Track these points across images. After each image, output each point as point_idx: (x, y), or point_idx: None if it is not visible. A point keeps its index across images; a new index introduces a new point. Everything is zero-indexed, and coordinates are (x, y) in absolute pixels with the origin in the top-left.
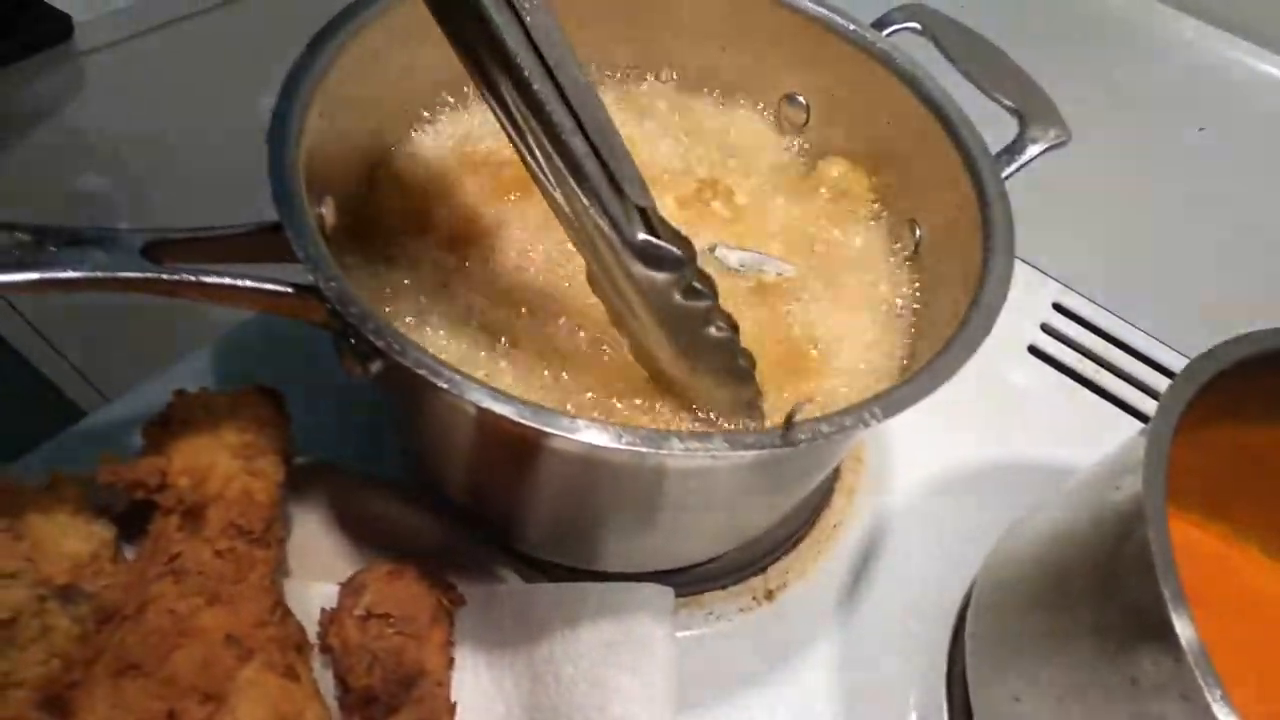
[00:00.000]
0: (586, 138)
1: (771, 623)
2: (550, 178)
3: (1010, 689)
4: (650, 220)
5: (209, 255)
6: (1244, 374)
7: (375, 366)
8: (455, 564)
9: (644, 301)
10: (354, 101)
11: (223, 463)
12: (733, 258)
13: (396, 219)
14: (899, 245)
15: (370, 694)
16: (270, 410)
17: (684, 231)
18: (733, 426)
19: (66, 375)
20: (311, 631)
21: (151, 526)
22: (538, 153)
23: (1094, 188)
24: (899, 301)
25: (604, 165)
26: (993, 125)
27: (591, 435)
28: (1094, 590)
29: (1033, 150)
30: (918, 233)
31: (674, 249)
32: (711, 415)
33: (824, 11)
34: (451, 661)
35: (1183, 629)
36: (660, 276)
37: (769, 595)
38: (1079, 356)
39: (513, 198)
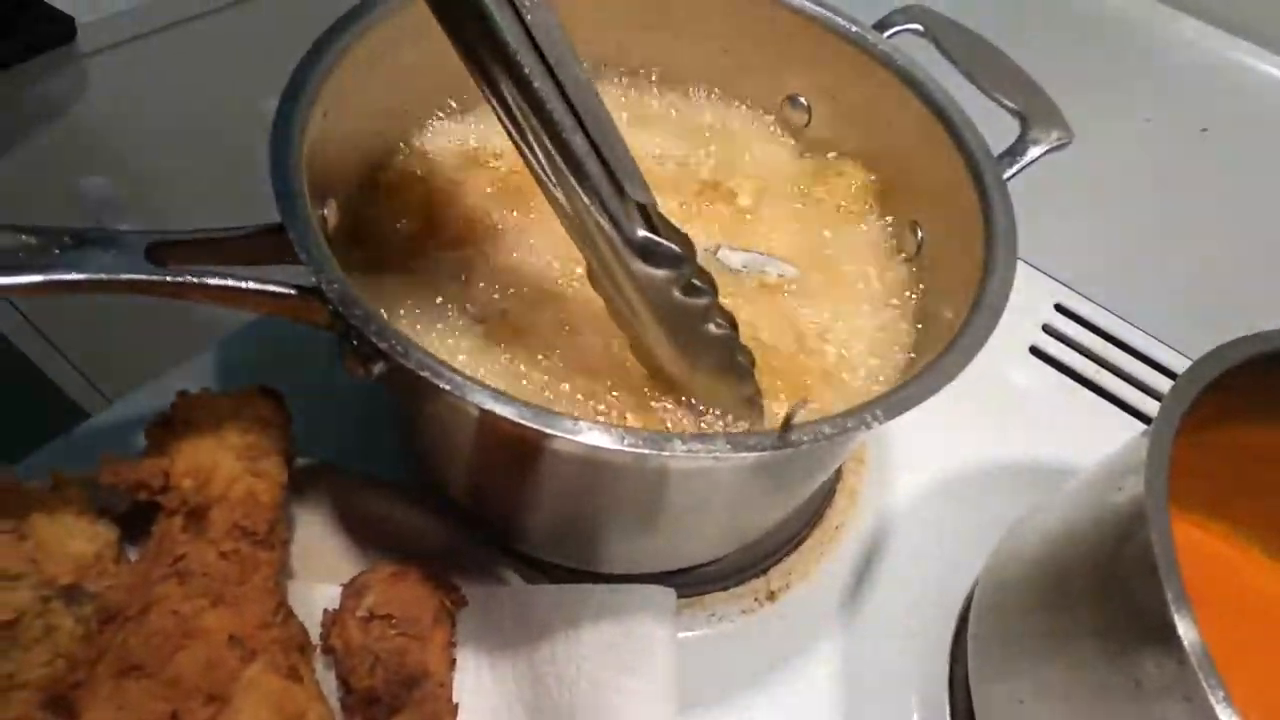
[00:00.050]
0: (587, 135)
1: (773, 624)
2: (551, 175)
3: (1013, 690)
4: (650, 218)
5: (212, 257)
6: (1246, 375)
7: (378, 368)
8: (457, 565)
9: (643, 299)
10: (357, 103)
11: (226, 464)
12: (735, 259)
13: (399, 220)
14: (901, 246)
15: (373, 695)
16: (273, 411)
17: (687, 233)
18: (733, 424)
19: (69, 376)
20: (314, 632)
21: (155, 527)
22: (538, 150)
23: (1095, 189)
24: (900, 303)
25: (604, 163)
26: (994, 126)
27: (593, 437)
28: (1096, 591)
29: (1035, 151)
30: (919, 234)
31: (673, 246)
32: (713, 412)
33: (825, 13)
34: (454, 662)
35: (1185, 630)
36: (660, 273)
37: (771, 596)
38: (1080, 357)
39: (515, 200)
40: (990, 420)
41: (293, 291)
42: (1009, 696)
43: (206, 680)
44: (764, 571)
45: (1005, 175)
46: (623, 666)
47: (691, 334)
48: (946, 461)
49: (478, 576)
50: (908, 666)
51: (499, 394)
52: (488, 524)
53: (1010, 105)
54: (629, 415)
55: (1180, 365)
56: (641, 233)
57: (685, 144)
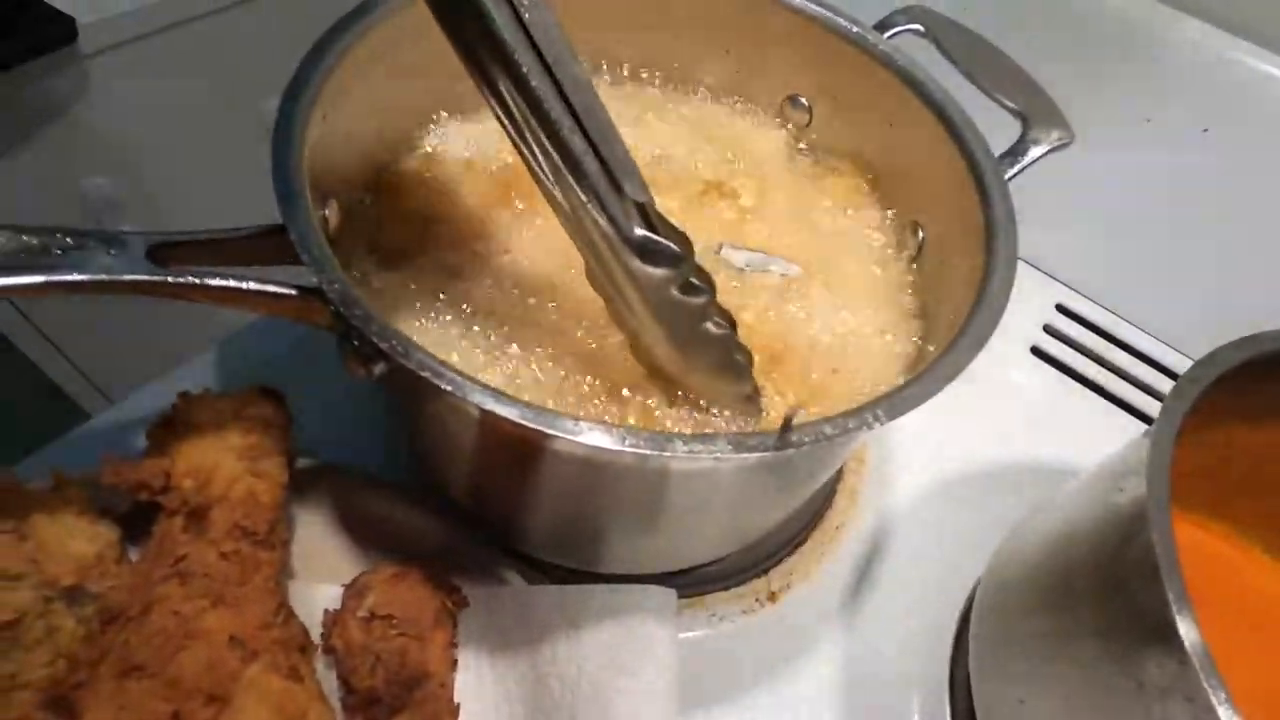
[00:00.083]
0: (585, 134)
1: (774, 624)
2: (549, 174)
3: (1014, 691)
4: (649, 216)
5: (213, 257)
6: (1247, 375)
7: (379, 368)
8: (458, 565)
9: (642, 297)
10: (358, 104)
11: (227, 464)
12: (738, 258)
13: (400, 221)
14: (902, 246)
15: (373, 695)
16: (274, 412)
17: (690, 232)
18: (732, 421)
19: (70, 377)
20: (315, 633)
21: (156, 528)
22: (536, 150)
23: (1096, 189)
24: (902, 302)
25: (602, 162)
26: (995, 127)
27: (594, 437)
28: (1098, 592)
29: (1036, 152)
30: (921, 234)
31: (671, 245)
32: (711, 411)
33: (826, 13)
34: (455, 663)
35: (1187, 631)
36: (658, 272)
37: (772, 597)
38: (1081, 357)
39: (516, 201)
40: (991, 420)
41: (294, 292)
42: (1010, 697)
43: (207, 680)
44: (765, 572)
45: (1006, 175)
46: (624, 667)
47: (690, 332)
48: (947, 462)
49: (479, 577)
50: (908, 667)
51: (500, 394)
52: (488, 524)
53: (1011, 105)
54: (628, 415)
55: (1181, 365)
56: (640, 231)
57: (687, 144)
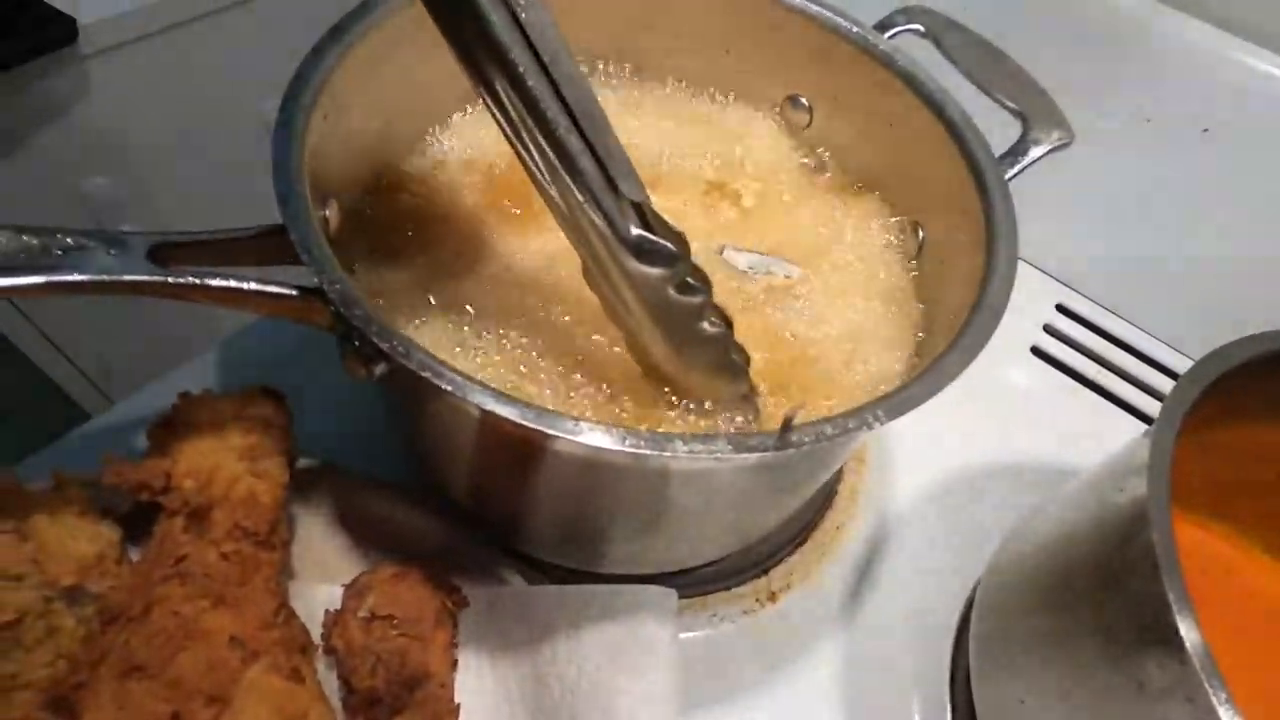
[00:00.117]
0: (581, 134)
1: (775, 624)
2: (545, 173)
3: (1015, 691)
4: (645, 216)
5: (214, 258)
6: (1248, 375)
7: (379, 369)
8: (459, 566)
9: (638, 296)
10: (359, 104)
11: (227, 465)
12: (741, 259)
13: (400, 221)
14: (902, 247)
15: (374, 695)
16: (274, 412)
17: (693, 234)
18: (729, 421)
19: (71, 377)
20: (316, 633)
21: (156, 528)
22: (532, 149)
23: (1097, 189)
24: (902, 303)
25: (598, 161)
26: (996, 127)
27: (594, 438)
28: (1098, 592)
29: (1036, 152)
30: (921, 234)
31: (668, 244)
32: (708, 410)
33: (826, 13)
34: (455, 663)
35: (1187, 632)
36: (654, 271)
37: (772, 597)
38: (1082, 357)
39: (516, 199)
40: (991, 420)
41: (294, 292)
42: (1010, 697)
43: (208, 681)
44: (765, 572)
45: (1006, 175)
46: (624, 667)
47: (686, 332)
48: (948, 462)
49: (479, 577)
50: (909, 667)
51: (500, 394)
52: (489, 525)
53: (1011, 105)
54: (626, 415)
55: (1182, 365)
56: (636, 231)
57: (688, 144)
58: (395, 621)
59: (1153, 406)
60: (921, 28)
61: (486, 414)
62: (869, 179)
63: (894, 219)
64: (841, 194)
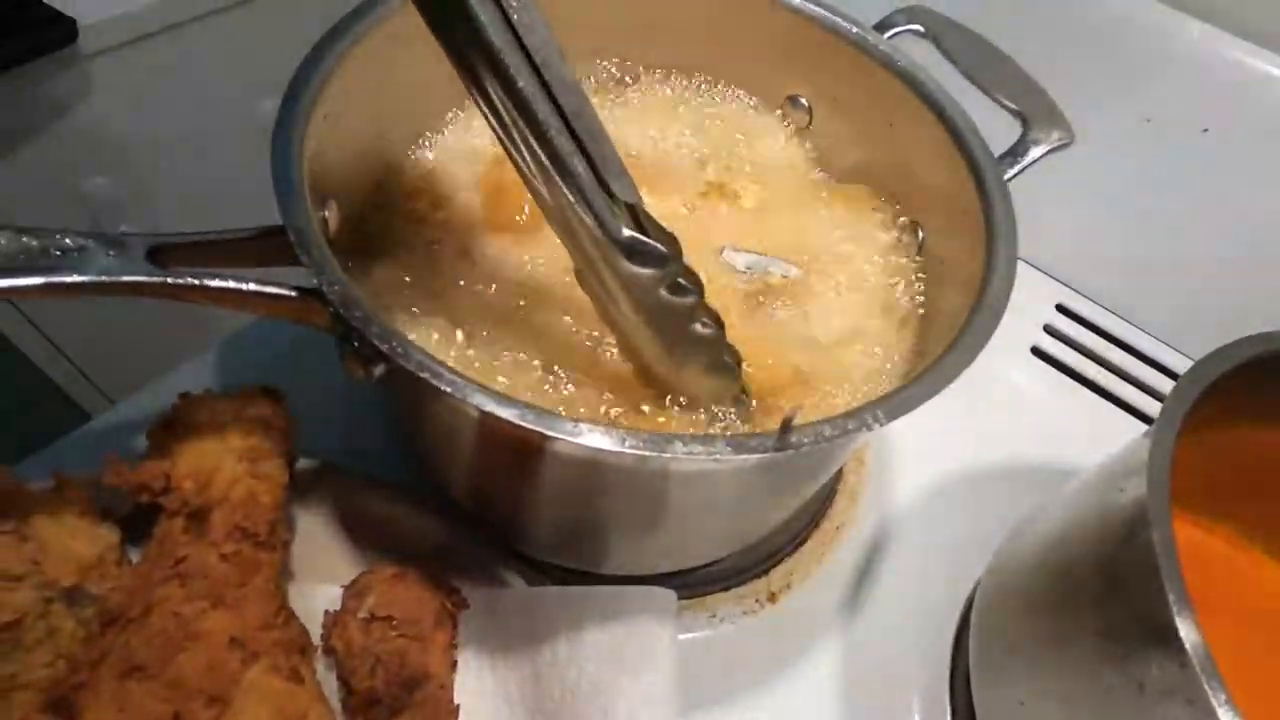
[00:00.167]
0: (573, 135)
1: (775, 625)
2: (536, 175)
3: (1014, 692)
4: (638, 217)
5: (213, 259)
6: (1248, 375)
7: (378, 370)
8: (458, 566)
9: (629, 297)
10: (359, 105)
11: (227, 465)
12: (740, 260)
13: (400, 222)
14: (902, 247)
15: (373, 696)
16: (274, 413)
17: (692, 234)
18: (720, 422)
19: (71, 378)
20: (315, 634)
21: (156, 529)
22: (524, 150)
23: (1096, 189)
24: (902, 303)
25: (590, 163)
26: (995, 127)
27: (594, 439)
28: (1098, 593)
29: (1036, 152)
30: (920, 234)
31: (659, 245)
32: (700, 411)
33: (826, 14)
34: (455, 664)
35: (1187, 633)
36: (645, 272)
37: (772, 597)
38: (1082, 358)
39: (516, 199)
40: (991, 421)
41: (293, 293)
42: (1010, 698)
43: (208, 682)
44: (765, 572)
45: (1006, 176)
46: (624, 668)
47: (678, 333)
48: (947, 462)
49: (479, 578)
50: (909, 667)
51: (499, 396)
52: (488, 525)
53: (1011, 106)
54: (619, 415)
55: (1182, 366)
56: (626, 232)
57: (688, 145)
58: (395, 622)
59: (1153, 407)
60: (921, 28)
61: (486, 415)
62: (869, 179)
63: (893, 219)
64: (841, 194)
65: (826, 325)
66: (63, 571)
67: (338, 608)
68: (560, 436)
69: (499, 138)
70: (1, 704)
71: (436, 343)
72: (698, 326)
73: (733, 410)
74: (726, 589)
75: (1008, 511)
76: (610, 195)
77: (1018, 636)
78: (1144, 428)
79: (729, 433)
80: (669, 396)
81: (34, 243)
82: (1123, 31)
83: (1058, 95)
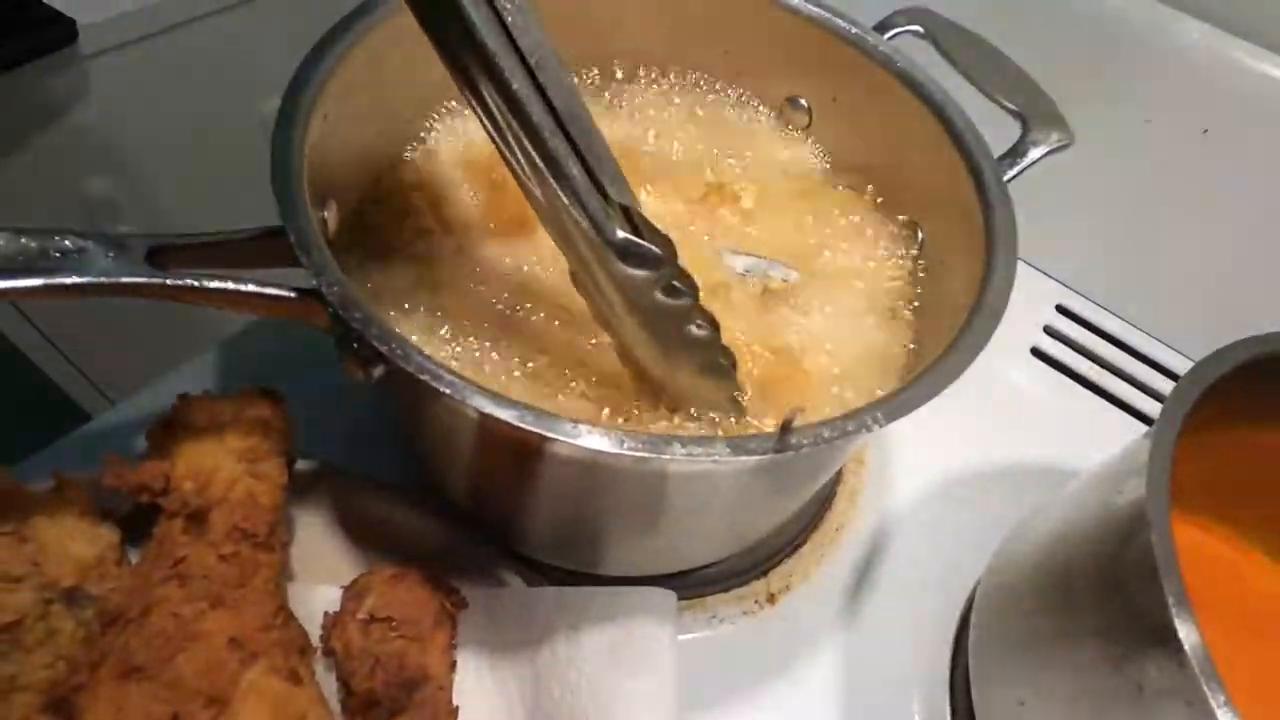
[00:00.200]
0: (567, 137)
1: (774, 626)
2: (530, 177)
3: (1014, 692)
4: (633, 219)
5: (213, 260)
6: (1248, 377)
7: (378, 371)
8: (458, 567)
9: (624, 299)
10: (358, 105)
11: (226, 466)
12: (739, 263)
13: (399, 222)
14: (902, 248)
15: (373, 697)
16: (273, 413)
17: (692, 236)
18: (715, 424)
19: (70, 378)
20: (314, 635)
21: (155, 530)
22: (517, 151)
23: (1097, 190)
24: (902, 305)
25: (584, 164)
26: (995, 128)
27: (593, 440)
28: (1098, 594)
29: (1035, 153)
30: (920, 235)
31: (653, 247)
32: (695, 413)
33: (825, 15)
34: (454, 665)
35: (1186, 634)
36: (640, 274)
37: (771, 598)
38: (1081, 358)
39: (516, 200)
40: (991, 422)
41: (293, 294)
42: (1010, 699)
43: (207, 682)
44: (764, 573)
45: (1006, 177)
46: (624, 669)
47: (673, 335)
48: (947, 463)
49: (478, 578)
50: (908, 668)
51: (499, 397)
52: (488, 526)
53: (1011, 107)
54: (615, 416)
55: (1182, 366)
56: (621, 234)
57: (688, 146)
58: (394, 623)
59: (1152, 408)
60: (921, 29)
61: (485, 416)
62: (868, 180)
63: (893, 220)
64: (840, 195)
65: (826, 327)
66: (62, 572)
67: (337, 609)
68: (559, 438)
69: (493, 139)
70: (1, 705)
71: (435, 342)
72: (693, 328)
73: (729, 412)
74: (726, 590)
75: (1007, 512)
76: (605, 197)
77: (1017, 637)
78: (1143, 428)
79: (724, 435)
80: (664, 398)
81: (33, 244)
82: (1123, 32)
83: (1058, 96)
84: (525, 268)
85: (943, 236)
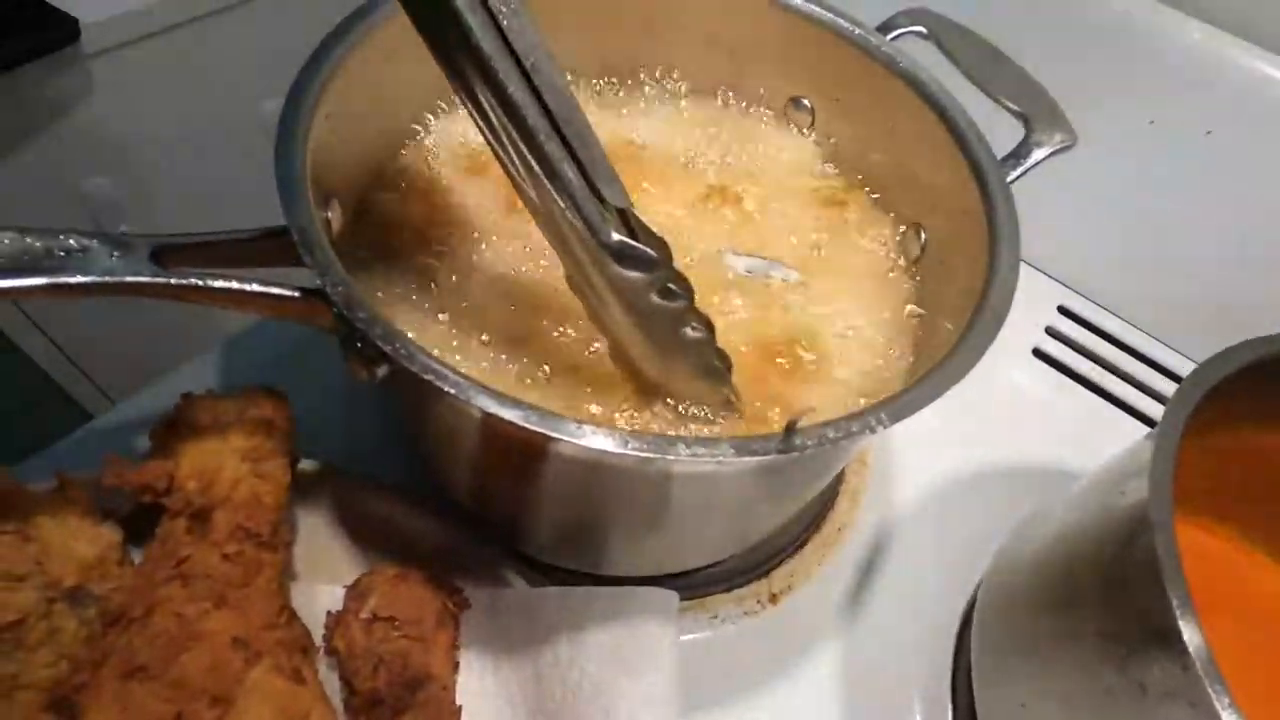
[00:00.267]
0: (563, 140)
1: (776, 626)
2: (526, 179)
3: (1016, 693)
4: (629, 221)
5: (216, 260)
6: (1251, 378)
7: (381, 371)
8: (461, 567)
9: (620, 301)
10: (361, 105)
11: (230, 466)
12: (740, 264)
13: (402, 222)
14: (904, 250)
15: (376, 697)
16: (277, 413)
17: (694, 237)
18: (709, 426)
19: (73, 378)
20: (318, 634)
21: (159, 529)
22: (514, 155)
23: (1099, 191)
24: (904, 306)
25: (580, 167)
26: (998, 129)
27: (597, 441)
28: (1100, 595)
29: (1038, 154)
30: (922, 237)
31: (648, 250)
32: (690, 415)
33: (829, 16)
34: (457, 665)
35: (1190, 635)
36: (635, 276)
37: (773, 598)
38: (1084, 360)
39: (515, 203)
40: (993, 423)
41: (297, 294)
42: (1012, 700)
43: (210, 682)
44: (766, 574)
45: (1009, 178)
46: (626, 669)
47: (668, 337)
48: (949, 464)
49: (481, 579)
50: (910, 669)
51: (503, 397)
52: (491, 526)
53: (1014, 108)
54: (612, 417)
55: (1184, 368)
56: (616, 236)
57: (690, 147)
58: (397, 623)
59: (1155, 409)
60: (924, 30)
61: (489, 416)
62: (871, 181)
63: (895, 222)
64: (843, 196)
65: (827, 328)
66: (65, 572)
67: (340, 608)
68: (563, 438)
69: (489, 142)
70: (4, 704)
71: (440, 343)
72: (688, 330)
73: (722, 413)
74: (728, 590)
75: (1009, 513)
76: (600, 200)
77: (1020, 637)
78: (1145, 429)
79: (717, 435)
80: (660, 399)
81: (37, 243)
82: (1125, 34)
83: (1060, 97)
84: (524, 267)
85: (945, 237)
